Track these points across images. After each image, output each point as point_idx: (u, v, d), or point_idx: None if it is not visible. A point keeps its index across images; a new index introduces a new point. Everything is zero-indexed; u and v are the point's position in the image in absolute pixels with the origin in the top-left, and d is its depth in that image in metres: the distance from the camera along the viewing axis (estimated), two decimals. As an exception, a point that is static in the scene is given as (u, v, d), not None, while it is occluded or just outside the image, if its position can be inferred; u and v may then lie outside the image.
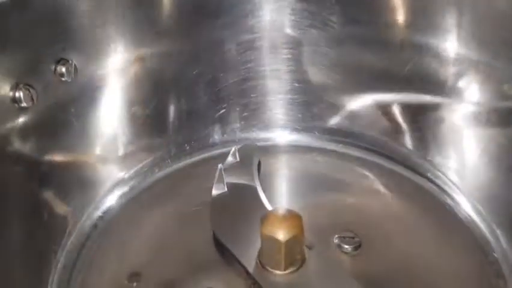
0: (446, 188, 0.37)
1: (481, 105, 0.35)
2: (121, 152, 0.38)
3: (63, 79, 0.34)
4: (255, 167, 0.37)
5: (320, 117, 0.40)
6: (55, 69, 0.33)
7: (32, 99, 0.32)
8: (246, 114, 0.41)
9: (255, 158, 0.38)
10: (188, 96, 0.40)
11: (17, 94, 0.31)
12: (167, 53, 0.38)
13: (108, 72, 0.36)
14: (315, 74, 0.40)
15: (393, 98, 0.38)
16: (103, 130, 0.37)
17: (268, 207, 0.34)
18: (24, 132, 0.32)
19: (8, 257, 0.30)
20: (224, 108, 0.40)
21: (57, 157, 0.35)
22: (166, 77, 0.39)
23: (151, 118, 0.39)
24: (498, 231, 0.34)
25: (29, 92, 0.31)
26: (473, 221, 0.35)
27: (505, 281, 0.32)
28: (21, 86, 0.31)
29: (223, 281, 0.32)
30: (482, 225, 0.35)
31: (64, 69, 0.33)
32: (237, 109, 0.41)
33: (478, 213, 0.35)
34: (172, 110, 0.39)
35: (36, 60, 0.32)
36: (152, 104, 0.39)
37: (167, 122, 0.40)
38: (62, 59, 0.33)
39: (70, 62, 0.34)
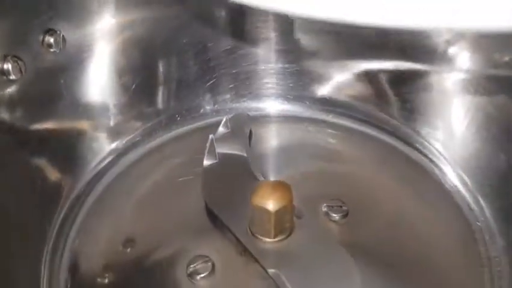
0: (433, 157, 0.37)
1: (470, 73, 0.35)
2: (112, 121, 0.38)
3: (51, 50, 0.33)
4: (246, 137, 0.38)
5: (311, 87, 0.40)
6: (43, 40, 0.33)
7: (21, 71, 0.31)
8: (236, 83, 0.41)
9: (246, 128, 0.38)
10: (178, 65, 0.39)
11: (5, 66, 0.31)
12: (156, 19, 0.38)
13: (96, 40, 0.36)
14: (306, 43, 0.39)
15: (384, 67, 0.38)
16: (93, 100, 0.37)
17: (259, 177, 0.35)
18: (14, 103, 0.32)
19: (1, 226, 0.30)
20: (215, 77, 0.40)
21: (49, 127, 0.35)
22: (155, 45, 0.39)
23: (141, 87, 0.39)
24: (482, 201, 0.35)
25: (18, 64, 0.31)
26: (458, 191, 0.36)
27: (487, 249, 0.33)
28: (9, 58, 0.31)
29: (215, 248, 0.32)
30: (467, 195, 0.35)
31: (52, 40, 0.33)
32: (228, 79, 0.41)
33: (464, 183, 0.36)
34: (162, 79, 0.39)
35: (24, 31, 0.32)
36: (142, 73, 0.38)
37: (158, 91, 0.40)
38: (49, 29, 0.33)
39: (58, 32, 0.33)
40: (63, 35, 0.34)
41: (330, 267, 0.31)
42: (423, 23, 0.19)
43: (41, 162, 0.34)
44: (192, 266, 0.31)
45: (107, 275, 0.32)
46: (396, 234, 0.33)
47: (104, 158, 0.38)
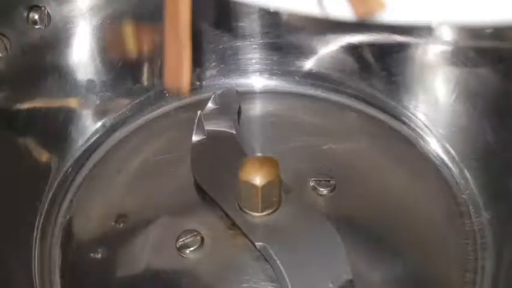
0: (419, 130, 0.38)
1: (456, 45, 0.35)
2: (99, 99, 0.38)
3: (36, 27, 0.33)
4: (234, 113, 0.38)
5: (297, 62, 0.40)
6: (28, 17, 0.33)
7: (6, 49, 0.31)
8: (223, 59, 0.40)
9: (234, 104, 0.38)
10: (164, 41, 0.39)
11: (-10, 44, 0.31)
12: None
13: (81, 16, 0.36)
14: (291, 17, 0.39)
15: (369, 40, 0.38)
16: (80, 77, 0.37)
17: (248, 153, 0.35)
18: (0, 81, 0.32)
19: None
20: (200, 53, 0.40)
21: (36, 105, 0.35)
22: (140, 20, 0.38)
23: (128, 64, 0.38)
24: (468, 174, 0.35)
25: (3, 41, 0.31)
26: (444, 164, 0.36)
27: (472, 222, 0.33)
28: (-6, 35, 0.31)
29: (204, 223, 0.33)
30: (453, 168, 0.36)
31: (36, 17, 0.33)
32: (214, 55, 0.40)
33: (450, 156, 0.36)
34: (148, 55, 0.39)
35: (8, 8, 0.32)
36: (129, 49, 0.38)
37: (145, 68, 0.39)
38: (34, 6, 0.33)
39: (43, 8, 0.33)
40: (48, 11, 0.33)
41: (316, 240, 0.31)
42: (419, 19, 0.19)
43: (29, 140, 0.34)
44: (181, 240, 0.32)
45: (99, 250, 0.32)
46: (383, 208, 0.34)
47: (93, 136, 0.38)
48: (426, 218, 0.33)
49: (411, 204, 0.34)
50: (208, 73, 0.41)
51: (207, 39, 0.40)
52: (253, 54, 0.41)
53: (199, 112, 0.36)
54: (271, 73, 0.41)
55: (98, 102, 0.38)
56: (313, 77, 0.40)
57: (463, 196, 0.34)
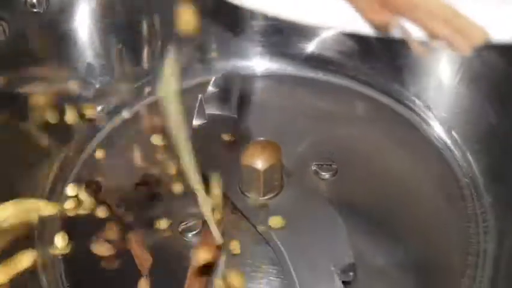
0: (422, 114, 0.37)
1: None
2: (99, 82, 0.38)
3: (35, 10, 0.33)
4: (236, 97, 0.37)
5: (299, 44, 0.40)
6: (26, 0, 0.32)
7: (4, 32, 0.31)
8: (223, 42, 0.40)
9: (236, 87, 0.38)
10: (162, 24, 0.39)
11: (-12, 28, 0.30)
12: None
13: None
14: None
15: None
16: (79, 61, 0.37)
17: (249, 136, 0.35)
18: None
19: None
20: (201, 35, 0.39)
21: (35, 90, 0.34)
22: (139, 2, 0.38)
23: (127, 46, 0.38)
24: (470, 157, 0.35)
25: (1, 25, 0.31)
26: (447, 147, 0.36)
27: (474, 205, 0.33)
28: (-8, 19, 0.30)
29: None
30: (455, 151, 0.35)
31: (34, 0, 0.32)
32: (214, 37, 0.40)
33: (453, 139, 0.36)
34: (147, 38, 0.39)
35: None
36: (127, 32, 0.38)
37: (144, 50, 0.39)
38: (32, -12, 0.32)
39: (41, -9, 0.33)
40: (46, -6, 0.33)
41: (318, 224, 0.31)
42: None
43: (29, 125, 0.34)
44: (183, 223, 0.32)
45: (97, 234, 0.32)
46: (385, 191, 0.34)
47: (93, 120, 0.37)
48: (429, 201, 0.33)
49: (413, 188, 0.34)
50: (209, 56, 0.40)
51: (208, 22, 0.39)
52: (254, 36, 0.40)
53: (200, 96, 0.36)
54: (273, 56, 0.40)
55: (97, 85, 0.38)
56: (315, 60, 0.40)
57: (465, 179, 0.34)
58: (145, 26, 0.39)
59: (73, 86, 0.37)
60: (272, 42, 0.40)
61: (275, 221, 0.31)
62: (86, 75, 0.37)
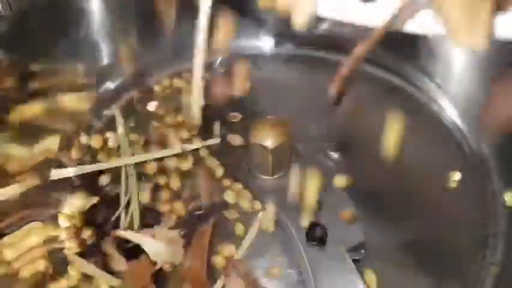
0: (432, 94, 0.37)
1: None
2: (105, 61, 0.37)
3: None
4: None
5: (310, 25, 0.39)
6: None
7: (10, 6, 0.31)
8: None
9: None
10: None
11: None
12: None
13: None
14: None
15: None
16: (86, 40, 0.36)
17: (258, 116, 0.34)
18: (7, 41, 0.31)
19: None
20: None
21: (44, 67, 0.34)
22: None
23: (134, 27, 0.37)
24: (481, 138, 0.34)
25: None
26: (457, 127, 0.36)
27: (485, 186, 0.33)
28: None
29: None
30: (465, 131, 0.35)
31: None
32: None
33: (463, 119, 0.36)
34: (155, 19, 0.38)
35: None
36: (135, 10, 0.37)
37: (151, 31, 0.38)
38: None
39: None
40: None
41: (326, 203, 0.31)
42: None
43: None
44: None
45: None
46: (394, 171, 0.33)
47: (98, 100, 0.37)
48: (439, 181, 0.33)
49: (423, 168, 0.33)
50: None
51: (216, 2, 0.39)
52: (263, 16, 0.39)
53: (206, 75, 0.35)
54: (282, 36, 0.40)
55: (103, 64, 0.37)
56: (325, 40, 0.39)
57: (475, 161, 0.34)
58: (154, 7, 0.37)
59: (81, 65, 0.36)
60: (281, 23, 0.39)
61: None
62: (94, 54, 0.37)
